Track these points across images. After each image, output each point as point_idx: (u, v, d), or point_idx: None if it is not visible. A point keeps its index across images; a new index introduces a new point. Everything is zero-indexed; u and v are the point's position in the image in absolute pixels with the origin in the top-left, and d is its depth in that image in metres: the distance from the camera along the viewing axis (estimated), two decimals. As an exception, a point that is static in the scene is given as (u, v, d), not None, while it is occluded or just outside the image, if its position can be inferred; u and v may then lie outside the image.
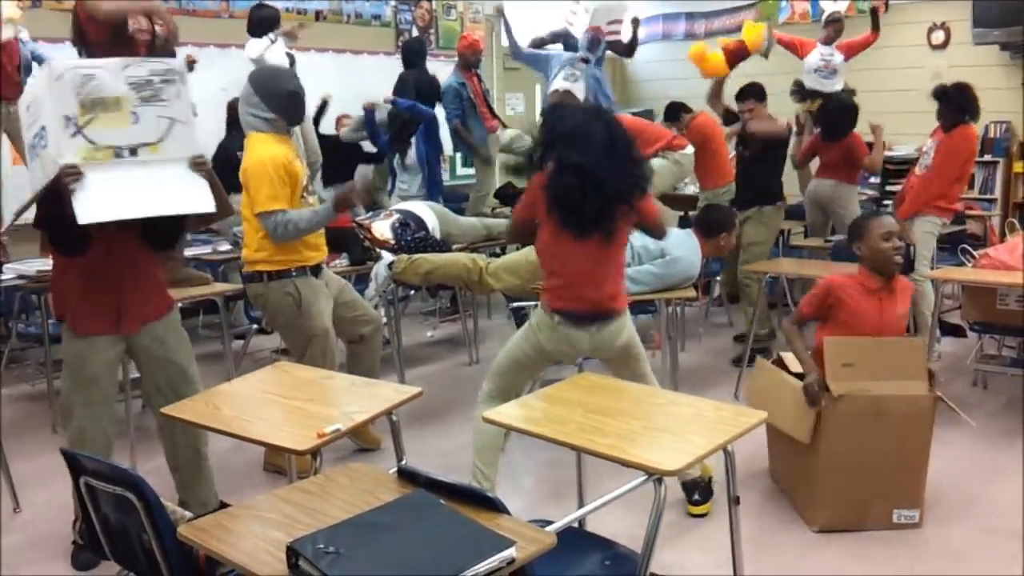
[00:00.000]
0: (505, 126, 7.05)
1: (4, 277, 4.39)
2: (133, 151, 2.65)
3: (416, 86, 6.69)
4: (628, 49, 6.80)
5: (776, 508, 3.46)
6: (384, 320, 5.56)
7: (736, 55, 5.94)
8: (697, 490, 3.40)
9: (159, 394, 3.07)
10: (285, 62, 6.15)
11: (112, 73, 2.61)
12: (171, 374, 3.07)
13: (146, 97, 2.65)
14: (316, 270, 3.76)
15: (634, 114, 8.42)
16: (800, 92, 6.72)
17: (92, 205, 2.54)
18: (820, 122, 5.95)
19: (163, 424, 3.15)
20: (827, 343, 3.20)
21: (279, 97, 3.53)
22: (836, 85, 6.57)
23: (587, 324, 3.15)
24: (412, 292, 6.04)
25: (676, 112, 6.54)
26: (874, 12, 6.53)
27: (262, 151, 3.52)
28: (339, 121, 6.76)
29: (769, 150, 5.61)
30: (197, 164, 2.79)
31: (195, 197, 2.76)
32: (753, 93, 5.77)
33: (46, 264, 3.63)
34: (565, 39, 6.84)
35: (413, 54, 6.93)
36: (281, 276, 3.64)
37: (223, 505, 3.23)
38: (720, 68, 5.91)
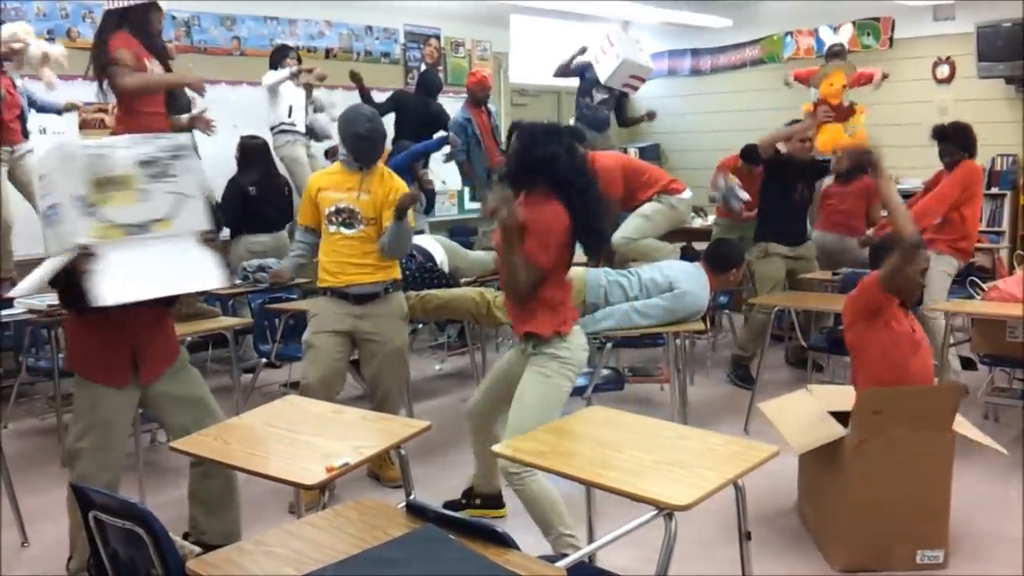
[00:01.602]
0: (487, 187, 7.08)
1: (14, 311, 4.41)
2: (144, 227, 2.70)
3: (416, 110, 6.79)
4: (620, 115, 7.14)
5: (800, 546, 3.42)
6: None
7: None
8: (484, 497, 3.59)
9: (185, 434, 3.04)
10: (300, 94, 6.23)
11: (121, 152, 2.68)
12: (197, 411, 3.05)
13: (154, 174, 2.71)
14: (333, 291, 3.93)
15: (640, 149, 8.52)
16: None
17: (108, 287, 2.60)
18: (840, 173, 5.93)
19: (192, 465, 3.12)
20: (859, 394, 3.13)
21: (351, 139, 3.87)
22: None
23: None
24: (420, 325, 6.05)
25: (755, 156, 6.65)
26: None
27: (316, 174, 4.16)
28: (326, 154, 6.72)
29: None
30: (207, 239, 2.86)
31: (205, 273, 2.84)
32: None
33: (56, 298, 3.65)
34: (583, 72, 6.96)
35: (426, 84, 7.07)
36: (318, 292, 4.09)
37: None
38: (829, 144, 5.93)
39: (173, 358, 3.10)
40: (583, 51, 7.00)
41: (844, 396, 3.58)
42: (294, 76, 6.12)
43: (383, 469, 4.02)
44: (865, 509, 3.15)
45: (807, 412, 3.47)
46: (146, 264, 2.69)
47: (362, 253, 3.88)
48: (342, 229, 3.86)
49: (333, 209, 3.86)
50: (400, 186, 3.95)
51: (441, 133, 6.59)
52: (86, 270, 2.59)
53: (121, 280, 2.62)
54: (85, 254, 2.60)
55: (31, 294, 2.75)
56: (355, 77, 6.58)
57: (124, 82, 4.47)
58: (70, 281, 2.70)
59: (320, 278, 3.96)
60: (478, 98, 6.88)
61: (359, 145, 3.86)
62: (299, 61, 6.27)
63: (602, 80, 6.84)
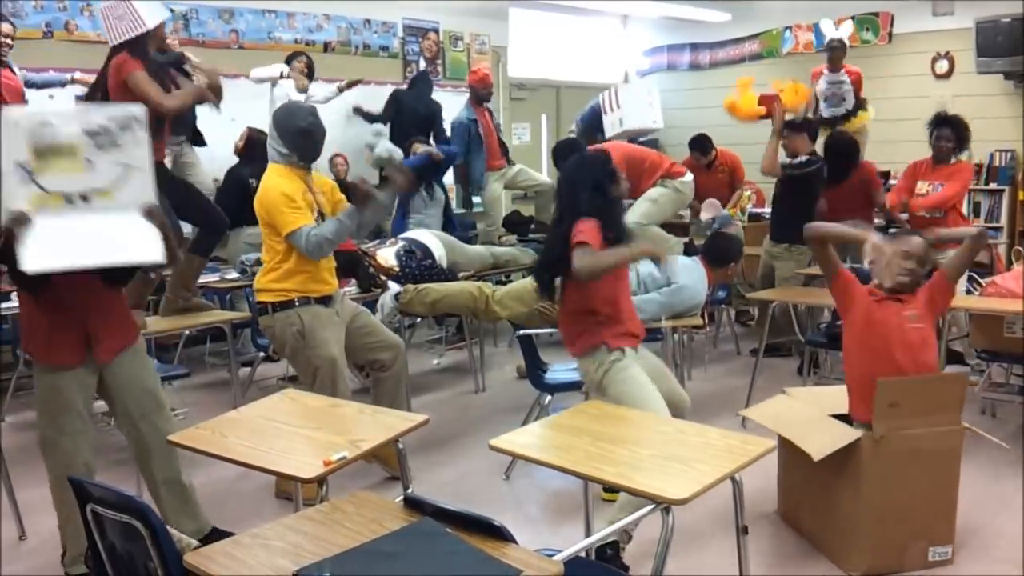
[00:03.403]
0: (511, 163, 7.07)
1: (11, 305, 4.41)
2: (84, 197, 2.65)
3: (415, 109, 6.81)
4: None
5: (800, 545, 3.39)
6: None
7: (768, 105, 6.00)
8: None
9: (131, 424, 3.08)
10: (290, 90, 6.22)
11: (68, 120, 2.65)
12: (142, 401, 3.07)
13: (102, 144, 2.66)
14: (323, 300, 3.76)
15: (639, 144, 8.53)
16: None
17: (38, 253, 2.56)
18: (830, 161, 5.92)
19: (137, 458, 3.14)
20: (879, 385, 3.08)
21: (292, 135, 3.60)
22: (840, 110, 6.62)
23: None
24: (418, 320, 6.06)
25: (703, 144, 6.78)
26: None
27: (274, 181, 3.62)
28: (331, 161, 6.68)
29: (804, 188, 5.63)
30: (149, 213, 2.76)
31: (143, 247, 2.74)
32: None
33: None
34: (593, 121, 6.96)
35: (418, 82, 7.09)
36: (285, 307, 3.68)
37: (216, 531, 3.22)
38: (752, 113, 5.97)
39: (130, 340, 3.09)
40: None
41: (823, 398, 3.54)
42: (275, 80, 6.13)
43: (392, 459, 3.97)
44: (884, 510, 3.10)
45: (803, 415, 3.41)
46: (81, 234, 2.63)
47: (331, 256, 3.81)
48: None
49: (316, 215, 3.68)
50: (330, 182, 3.91)
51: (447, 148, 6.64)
52: (17, 237, 2.54)
53: (50, 247, 2.58)
54: (18, 219, 2.55)
55: None
56: (350, 84, 6.75)
57: (167, 105, 3.99)
58: (15, 260, 2.68)
59: (307, 289, 3.69)
60: (481, 96, 6.86)
61: (304, 140, 3.61)
62: (310, 69, 6.30)
63: (606, 134, 6.83)
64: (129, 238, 2.71)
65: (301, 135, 3.60)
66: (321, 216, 3.70)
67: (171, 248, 2.85)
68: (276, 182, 3.62)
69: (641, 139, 9.09)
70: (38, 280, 2.78)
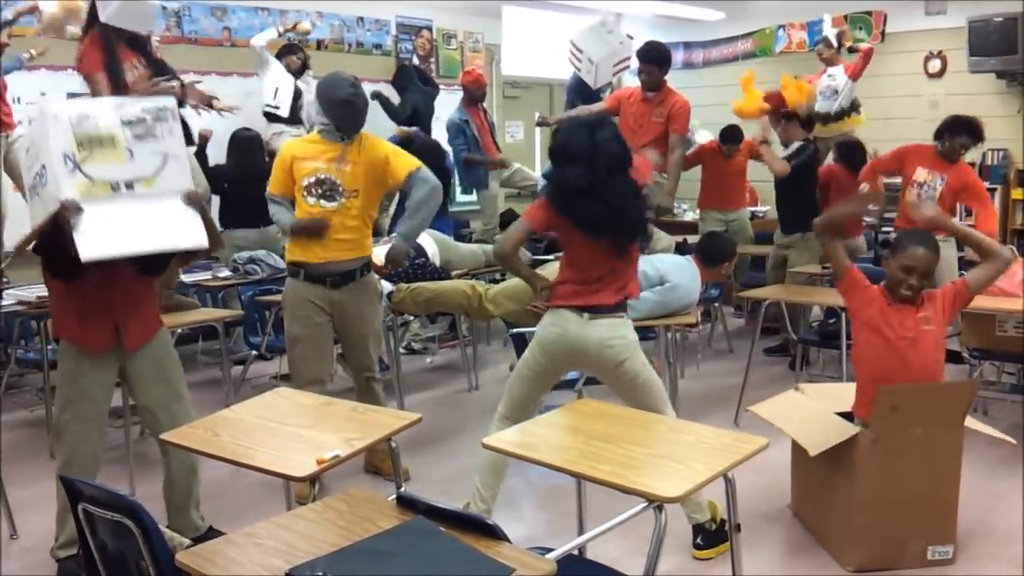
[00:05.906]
0: (504, 165, 7.06)
1: (4, 303, 4.39)
2: (129, 185, 2.74)
3: (414, 107, 6.82)
4: None
5: (802, 543, 3.40)
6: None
7: (773, 103, 6.17)
8: (701, 534, 3.27)
9: (150, 413, 3.11)
10: (288, 78, 6.24)
11: (106, 111, 2.73)
12: (164, 393, 3.10)
13: (139, 134, 2.75)
14: (307, 273, 3.72)
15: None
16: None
17: (92, 241, 2.63)
18: (844, 159, 5.95)
19: (163, 447, 3.14)
20: (880, 391, 3.09)
21: (329, 106, 3.64)
22: (834, 105, 6.66)
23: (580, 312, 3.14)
24: (412, 319, 6.05)
25: (734, 135, 6.71)
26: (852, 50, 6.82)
27: (289, 143, 3.95)
28: None
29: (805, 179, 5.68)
30: (191, 198, 2.86)
31: (189, 232, 2.84)
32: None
33: (46, 290, 3.65)
34: (580, 88, 6.94)
35: (404, 79, 7.13)
36: (290, 274, 3.86)
37: (212, 530, 3.22)
38: (756, 110, 6.12)
39: (154, 330, 3.13)
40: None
41: (834, 394, 3.56)
42: (281, 35, 6.20)
43: (384, 462, 3.97)
44: (879, 507, 3.12)
45: (807, 411, 3.42)
46: (129, 221, 2.71)
47: (342, 227, 3.69)
48: (322, 202, 3.66)
49: (313, 180, 3.64)
50: (390, 150, 3.77)
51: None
52: (70, 226, 2.60)
53: (102, 235, 2.65)
54: (70, 208, 2.61)
55: (16, 253, 2.77)
56: (379, 97, 6.84)
57: None
58: (57, 248, 2.72)
59: (289, 251, 3.76)
60: (475, 96, 6.85)
61: (342, 112, 3.61)
62: (304, 61, 6.33)
63: (594, 88, 6.82)
64: (175, 224, 2.81)
65: (342, 106, 3.62)
66: (319, 184, 3.65)
67: (213, 231, 2.94)
68: (292, 144, 3.86)
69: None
70: (72, 270, 2.81)
